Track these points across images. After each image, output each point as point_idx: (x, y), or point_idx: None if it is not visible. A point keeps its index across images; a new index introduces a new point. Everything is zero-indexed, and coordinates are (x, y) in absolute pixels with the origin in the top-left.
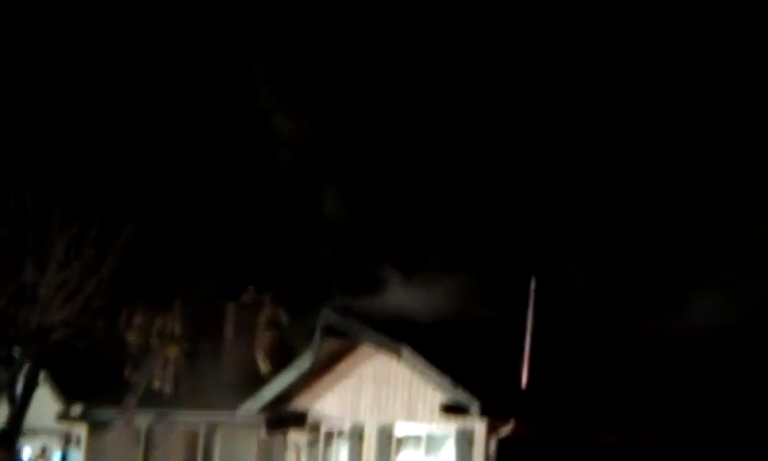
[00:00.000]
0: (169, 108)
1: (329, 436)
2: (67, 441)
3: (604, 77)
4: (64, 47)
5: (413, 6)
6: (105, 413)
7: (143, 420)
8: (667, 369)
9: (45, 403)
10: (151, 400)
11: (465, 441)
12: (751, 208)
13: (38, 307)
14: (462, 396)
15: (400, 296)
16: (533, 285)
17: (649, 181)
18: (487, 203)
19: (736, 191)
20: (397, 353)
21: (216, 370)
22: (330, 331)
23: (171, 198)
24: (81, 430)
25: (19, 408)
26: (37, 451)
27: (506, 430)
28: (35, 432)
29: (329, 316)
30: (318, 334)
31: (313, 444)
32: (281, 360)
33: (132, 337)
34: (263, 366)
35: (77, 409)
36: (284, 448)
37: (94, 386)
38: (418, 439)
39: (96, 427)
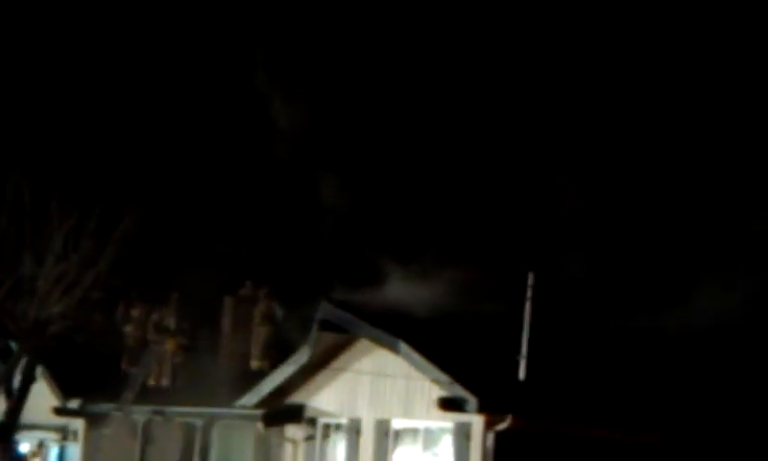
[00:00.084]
0: (167, 100)
1: (326, 430)
2: (64, 435)
3: (606, 70)
4: (61, 38)
5: None
6: (102, 407)
7: (140, 414)
8: (667, 364)
9: (42, 398)
10: (148, 394)
11: (462, 435)
12: (752, 204)
13: (36, 300)
14: (459, 391)
15: (398, 290)
16: (531, 279)
17: (650, 176)
18: (486, 196)
19: (738, 186)
20: (395, 348)
21: (213, 364)
22: (327, 325)
23: (169, 190)
24: (78, 425)
25: (16, 402)
26: (35, 446)
27: (503, 425)
28: (32, 427)
29: (327, 309)
30: (315, 328)
31: (310, 438)
32: (276, 355)
33: (129, 329)
34: (254, 363)
35: (74, 404)
36: (281, 442)
37: (91, 381)
38: (415, 433)
39: (93, 422)
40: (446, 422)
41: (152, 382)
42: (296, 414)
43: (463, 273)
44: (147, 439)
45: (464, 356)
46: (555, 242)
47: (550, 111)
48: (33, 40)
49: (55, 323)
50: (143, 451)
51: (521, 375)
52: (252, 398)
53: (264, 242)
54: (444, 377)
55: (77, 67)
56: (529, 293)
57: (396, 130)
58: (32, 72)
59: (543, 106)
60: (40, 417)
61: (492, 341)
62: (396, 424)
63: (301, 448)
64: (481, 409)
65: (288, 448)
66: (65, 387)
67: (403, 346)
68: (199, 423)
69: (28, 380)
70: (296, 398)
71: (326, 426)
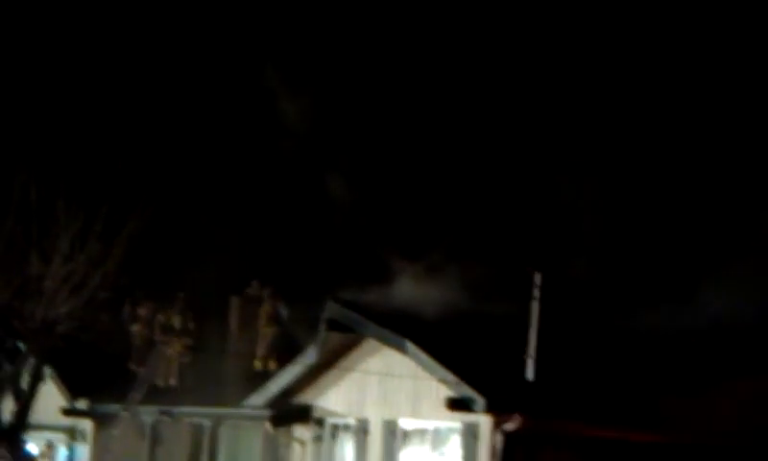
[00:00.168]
0: (174, 98)
1: (334, 430)
2: (73, 436)
3: (613, 70)
4: (67, 37)
5: None
6: (110, 408)
7: (148, 414)
8: (674, 363)
9: (51, 398)
10: (156, 394)
11: (470, 435)
12: (760, 200)
13: (44, 300)
14: (467, 391)
15: (406, 289)
16: (539, 279)
17: (657, 174)
18: (493, 196)
19: (746, 183)
20: (402, 348)
21: (221, 364)
22: (335, 325)
23: (176, 190)
24: (86, 425)
25: (25, 403)
26: (43, 446)
27: (511, 425)
28: (40, 427)
29: (334, 309)
30: (322, 328)
31: (318, 438)
32: (282, 355)
33: (137, 329)
34: (258, 363)
35: (82, 404)
36: (289, 442)
37: (99, 381)
38: (423, 433)
39: (102, 422)
40: (454, 422)
41: (159, 382)
42: (304, 414)
43: (470, 272)
44: (155, 439)
45: (471, 356)
46: (562, 242)
47: (558, 111)
48: (39, 40)
49: (62, 323)
50: (152, 451)
51: (529, 375)
52: (259, 398)
53: (271, 241)
54: (451, 378)
55: (83, 66)
56: (537, 293)
57: (405, 128)
58: (38, 71)
59: (551, 105)
60: (49, 417)
61: (500, 341)
62: (404, 424)
63: (309, 448)
64: (489, 409)
65: (296, 448)
66: (73, 387)
67: (411, 346)
68: (207, 423)
69: (36, 381)
70: (303, 398)
71: (334, 427)
